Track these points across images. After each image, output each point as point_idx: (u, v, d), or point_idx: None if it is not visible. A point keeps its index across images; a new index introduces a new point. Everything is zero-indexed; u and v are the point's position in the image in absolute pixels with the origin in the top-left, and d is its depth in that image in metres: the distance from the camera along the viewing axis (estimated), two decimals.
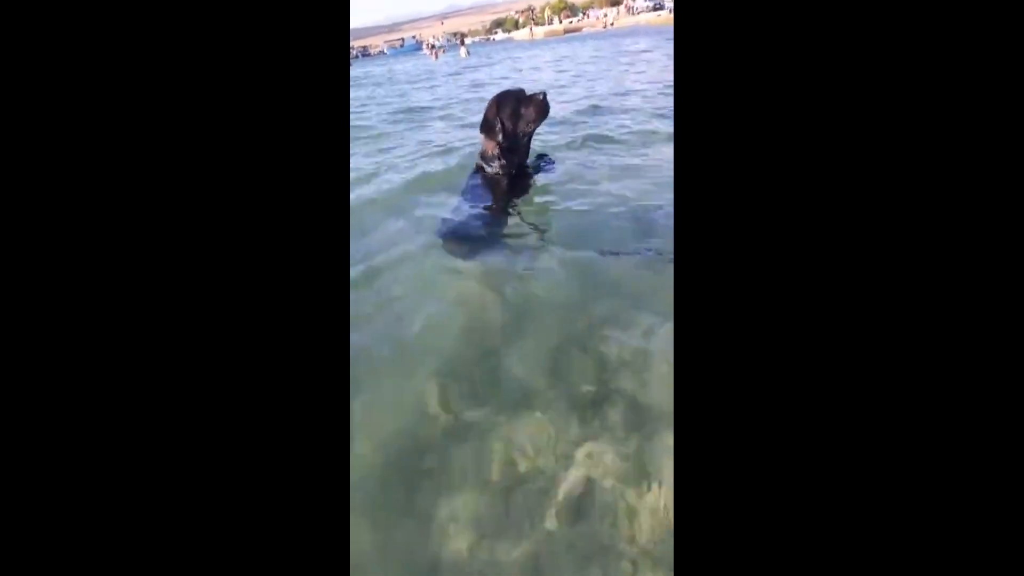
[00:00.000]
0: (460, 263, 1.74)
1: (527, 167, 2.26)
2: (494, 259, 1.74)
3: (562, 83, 6.33)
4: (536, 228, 1.90)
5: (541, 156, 2.43)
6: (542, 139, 3.00)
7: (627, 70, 7.06)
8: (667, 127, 3.18)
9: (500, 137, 2.13)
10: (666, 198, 2.04)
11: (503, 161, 2.18)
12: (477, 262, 1.74)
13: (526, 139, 2.17)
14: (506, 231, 1.94)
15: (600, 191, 2.26)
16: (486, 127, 2.18)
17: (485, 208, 2.11)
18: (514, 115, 2.10)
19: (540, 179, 2.27)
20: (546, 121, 2.20)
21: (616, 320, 1.30)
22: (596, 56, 10.41)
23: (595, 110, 4.06)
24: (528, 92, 2.15)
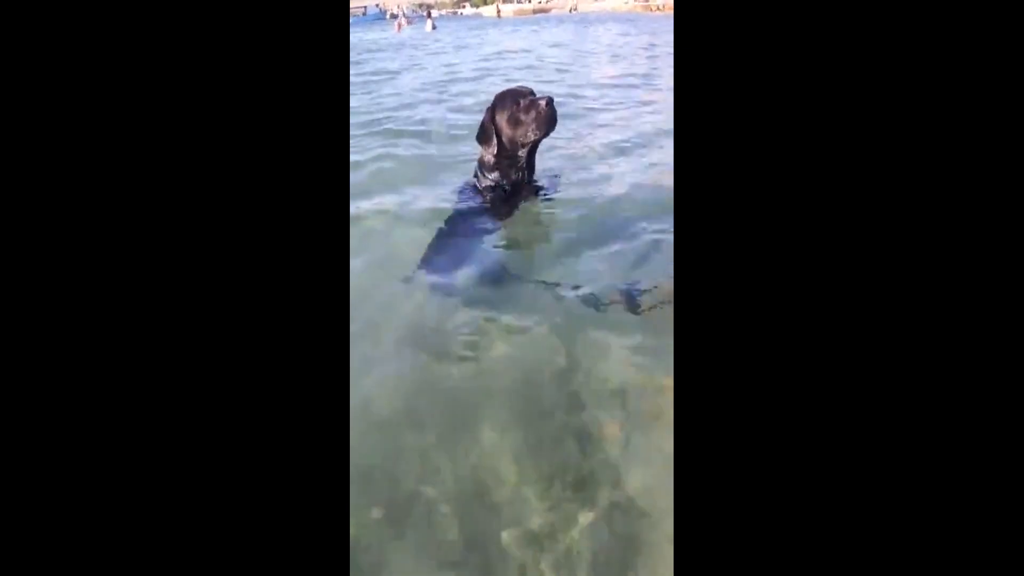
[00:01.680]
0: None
1: (529, 184, 1.99)
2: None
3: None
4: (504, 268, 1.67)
5: (554, 177, 2.13)
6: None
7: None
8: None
9: (494, 147, 1.86)
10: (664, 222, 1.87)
11: (497, 173, 1.92)
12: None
13: (526, 149, 1.91)
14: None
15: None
16: (481, 134, 1.91)
17: (465, 231, 1.85)
18: (512, 120, 1.84)
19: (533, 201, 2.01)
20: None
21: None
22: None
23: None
24: (533, 95, 1.87)
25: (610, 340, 1.30)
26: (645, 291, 1.46)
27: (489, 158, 1.92)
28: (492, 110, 1.89)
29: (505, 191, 1.94)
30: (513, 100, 1.86)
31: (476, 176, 2.00)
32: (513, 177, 1.94)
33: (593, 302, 1.43)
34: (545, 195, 2.04)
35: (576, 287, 1.50)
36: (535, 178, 2.01)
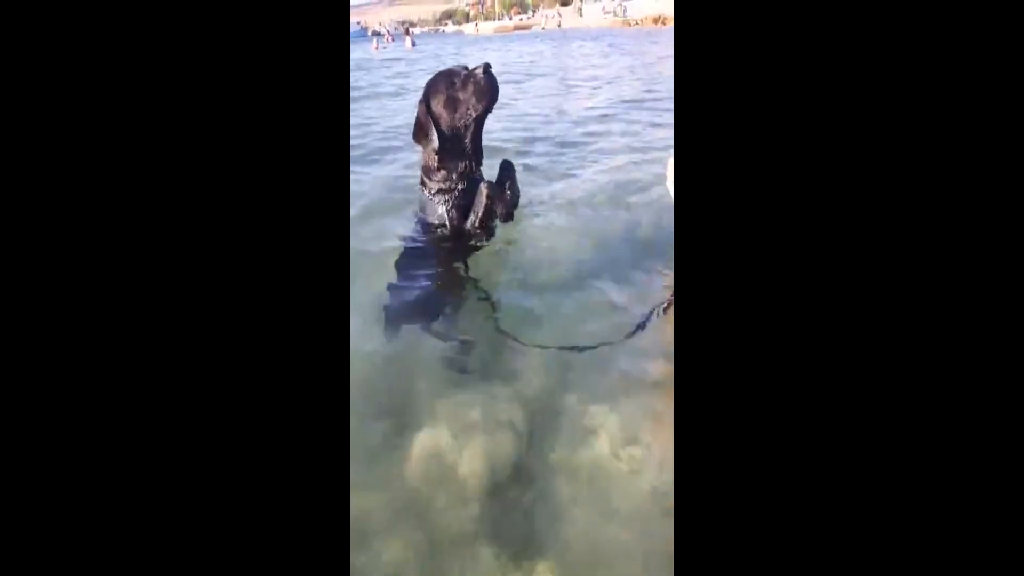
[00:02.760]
0: None
1: (480, 179, 1.70)
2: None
3: None
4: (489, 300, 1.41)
5: (505, 169, 1.77)
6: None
7: None
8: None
9: (435, 142, 1.61)
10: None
11: (443, 172, 1.67)
12: None
13: (470, 132, 1.64)
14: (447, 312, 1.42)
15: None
16: (418, 132, 1.66)
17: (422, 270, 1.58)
18: (449, 103, 1.60)
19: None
20: None
21: None
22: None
23: None
24: (467, 70, 1.62)
25: None
26: None
27: (431, 158, 1.66)
28: (425, 100, 1.64)
29: (458, 191, 1.67)
30: (447, 81, 1.62)
31: (422, 185, 1.73)
32: (462, 169, 1.68)
33: None
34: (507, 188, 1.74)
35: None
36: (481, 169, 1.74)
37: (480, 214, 1.64)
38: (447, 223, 1.67)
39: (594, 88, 5.58)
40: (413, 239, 1.72)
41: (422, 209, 1.74)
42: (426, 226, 1.71)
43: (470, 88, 1.58)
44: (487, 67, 1.58)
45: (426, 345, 1.32)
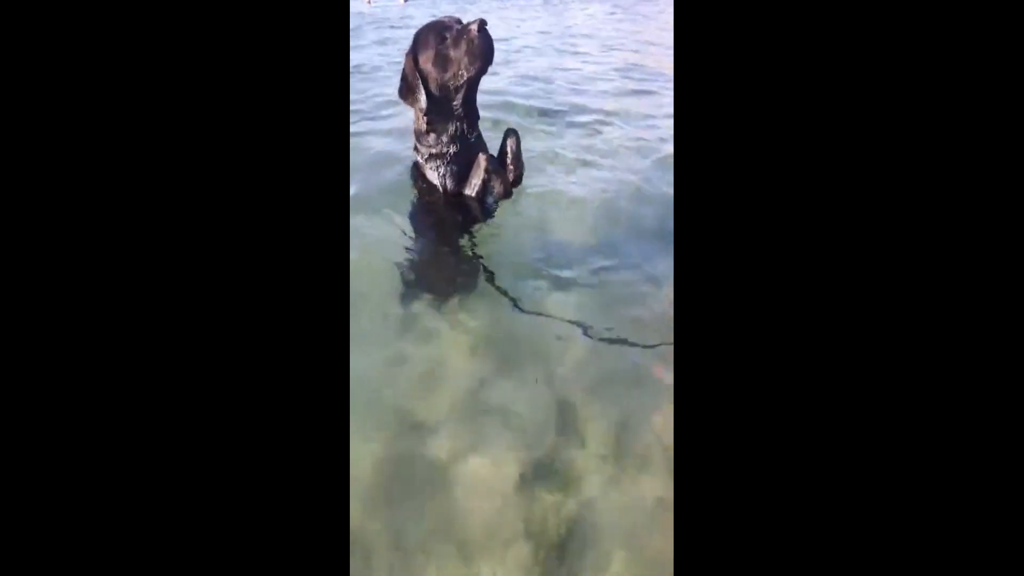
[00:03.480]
0: None
1: (472, 141, 1.54)
2: None
3: None
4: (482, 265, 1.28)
5: (507, 138, 1.59)
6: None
7: None
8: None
9: (422, 100, 1.45)
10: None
11: (434, 134, 1.52)
12: None
13: (461, 94, 1.46)
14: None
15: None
16: (405, 89, 1.50)
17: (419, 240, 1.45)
18: (439, 60, 1.42)
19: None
20: None
21: None
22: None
23: None
24: (460, 23, 1.44)
25: None
26: None
27: (420, 120, 1.50)
28: (413, 54, 1.45)
29: (451, 155, 1.52)
30: (437, 35, 1.43)
31: (415, 151, 1.57)
32: (453, 132, 1.51)
33: None
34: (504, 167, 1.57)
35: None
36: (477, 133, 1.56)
37: (476, 188, 1.50)
38: (441, 189, 1.54)
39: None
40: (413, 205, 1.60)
41: (419, 176, 1.59)
42: (422, 193, 1.58)
43: (462, 47, 1.39)
44: (482, 24, 1.37)
45: None
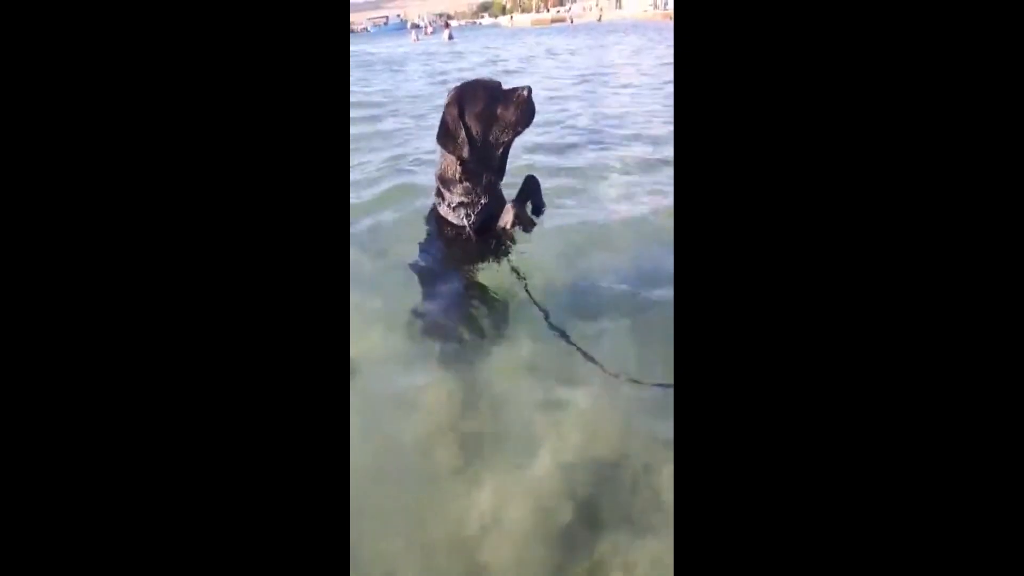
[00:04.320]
0: None
1: (498, 193, 1.59)
2: None
3: None
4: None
5: (529, 183, 1.66)
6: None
7: None
8: None
9: (465, 150, 1.48)
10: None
11: (467, 184, 1.54)
12: None
13: (502, 151, 1.54)
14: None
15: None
16: (444, 135, 1.53)
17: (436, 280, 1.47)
18: (485, 116, 1.46)
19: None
20: None
21: None
22: None
23: None
24: (500, 86, 1.51)
25: None
26: None
27: (454, 167, 1.53)
28: (458, 105, 1.50)
29: (480, 205, 1.55)
30: (487, 92, 1.48)
31: (438, 196, 1.59)
32: (485, 182, 1.54)
33: None
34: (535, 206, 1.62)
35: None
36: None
37: (504, 232, 1.55)
38: (470, 233, 1.56)
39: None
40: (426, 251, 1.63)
41: (440, 222, 1.61)
42: (440, 233, 1.61)
43: (512, 108, 1.49)
44: (529, 89, 1.50)
45: None
